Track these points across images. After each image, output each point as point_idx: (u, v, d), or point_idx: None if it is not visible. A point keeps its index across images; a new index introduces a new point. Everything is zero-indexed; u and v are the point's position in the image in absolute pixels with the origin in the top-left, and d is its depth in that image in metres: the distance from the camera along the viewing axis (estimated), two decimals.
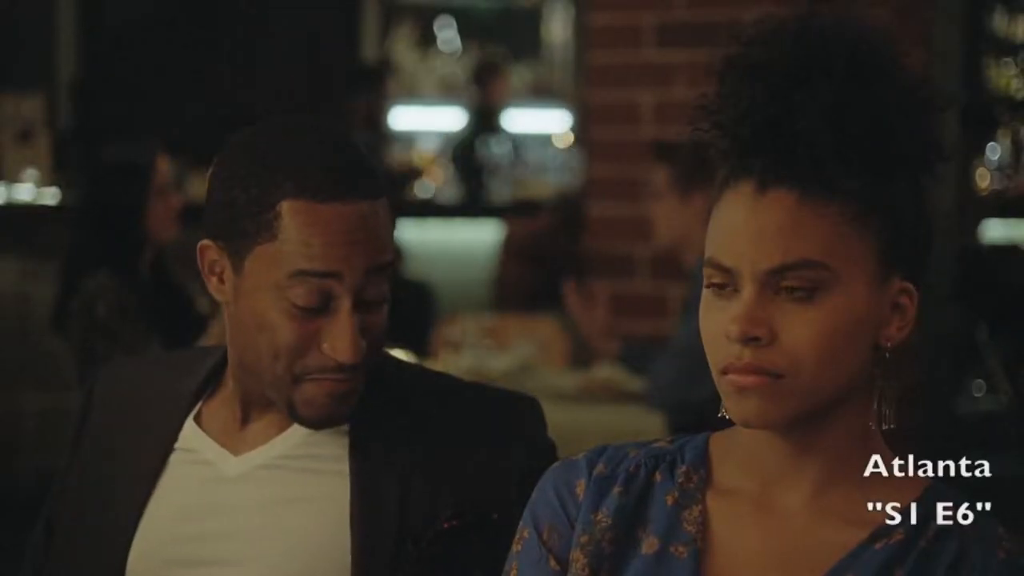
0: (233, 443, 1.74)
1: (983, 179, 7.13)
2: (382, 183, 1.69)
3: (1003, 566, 1.34)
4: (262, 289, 1.65)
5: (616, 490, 1.44)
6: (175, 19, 8.01)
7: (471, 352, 4.33)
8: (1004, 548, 1.35)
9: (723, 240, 1.36)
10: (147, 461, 1.75)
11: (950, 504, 1.38)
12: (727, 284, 1.35)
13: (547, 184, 7.96)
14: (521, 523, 1.49)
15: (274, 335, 1.65)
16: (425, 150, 8.30)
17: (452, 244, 7.52)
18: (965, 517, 1.37)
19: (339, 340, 1.64)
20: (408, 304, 6.30)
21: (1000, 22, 7.39)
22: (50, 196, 6.26)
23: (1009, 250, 7.08)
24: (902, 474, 1.41)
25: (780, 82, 1.34)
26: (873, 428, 1.38)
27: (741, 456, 1.42)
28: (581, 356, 4.36)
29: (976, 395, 6.71)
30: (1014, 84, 7.34)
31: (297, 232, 1.63)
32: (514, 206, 7.03)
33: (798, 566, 1.36)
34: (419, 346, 4.77)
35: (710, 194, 1.41)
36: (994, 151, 7.22)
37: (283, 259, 1.63)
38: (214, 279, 1.70)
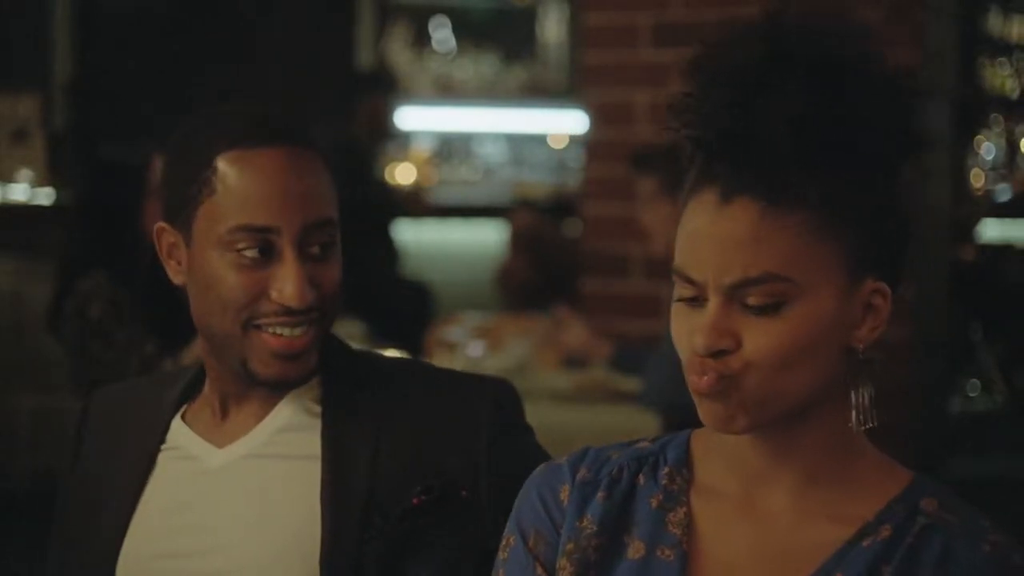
0: (216, 437, 1.78)
1: (977, 179, 7.15)
2: (315, 137, 1.75)
3: (989, 560, 1.32)
4: (209, 247, 1.70)
5: (600, 495, 1.43)
6: (171, 19, 8.01)
7: (466, 352, 4.33)
8: (990, 541, 1.34)
9: (689, 250, 1.34)
10: (137, 462, 1.80)
11: (935, 499, 1.37)
12: (696, 297, 1.34)
13: (543, 184, 7.96)
14: (506, 530, 1.48)
15: (223, 289, 1.70)
16: (421, 150, 8.30)
17: (450, 244, 7.52)
18: (950, 511, 1.36)
19: (286, 283, 1.68)
20: (406, 304, 6.30)
21: (995, 22, 7.40)
22: (45, 196, 6.26)
23: (1004, 250, 7.09)
24: (886, 469, 1.40)
25: (744, 87, 1.31)
26: (852, 428, 1.37)
27: (723, 456, 1.42)
28: (576, 356, 4.36)
29: (971, 395, 6.72)
30: (1008, 84, 7.35)
31: (234, 182, 1.69)
32: (511, 206, 7.02)
33: (785, 566, 1.36)
34: (416, 346, 4.78)
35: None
36: (989, 151, 7.23)
37: (223, 213, 1.69)
38: (173, 263, 1.77)
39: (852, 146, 1.31)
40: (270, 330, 1.70)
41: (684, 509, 1.41)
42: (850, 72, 1.32)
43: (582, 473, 1.46)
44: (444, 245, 7.50)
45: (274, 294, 1.69)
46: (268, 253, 1.69)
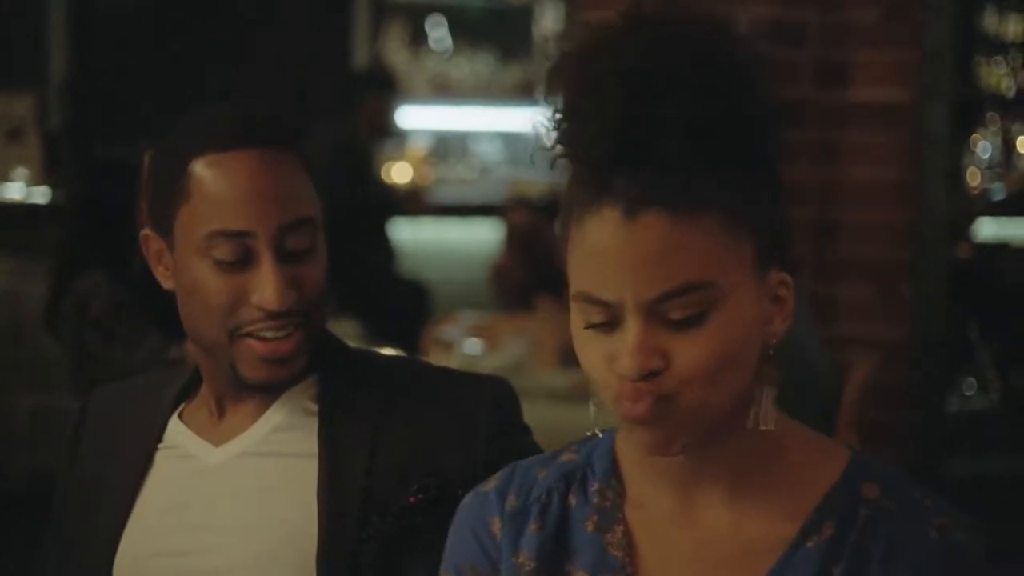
0: (213, 436, 1.78)
1: (974, 178, 7.15)
2: (289, 134, 1.74)
3: (936, 548, 1.29)
4: (189, 253, 1.70)
5: (532, 527, 1.39)
6: (168, 18, 8.00)
7: (462, 351, 4.33)
8: (935, 526, 1.30)
9: (596, 272, 1.27)
10: (135, 461, 1.80)
11: (875, 483, 1.33)
12: (608, 321, 1.28)
13: (540, 183, 7.96)
14: (441, 569, 1.44)
15: (205, 294, 1.70)
16: (417, 149, 8.30)
17: (446, 243, 7.53)
18: (891, 496, 1.32)
19: (264, 288, 1.68)
20: (403, 303, 6.31)
21: (991, 21, 7.40)
22: (41, 195, 6.26)
23: (1000, 248, 7.10)
24: (821, 454, 1.36)
25: (630, 98, 1.25)
26: (779, 418, 1.34)
27: (649, 468, 1.37)
28: (573, 355, 4.36)
29: (967, 393, 6.72)
30: (1005, 83, 7.35)
31: (208, 187, 1.68)
32: (507, 204, 7.02)
33: (733, 575, 1.32)
34: (413, 345, 4.78)
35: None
36: (985, 150, 7.24)
37: (200, 219, 1.69)
38: (161, 269, 1.76)
39: (744, 139, 1.28)
40: (256, 335, 1.70)
41: (621, 527, 1.36)
42: (724, 66, 1.28)
43: (510, 501, 1.41)
44: (441, 244, 7.50)
45: (254, 298, 1.68)
46: (246, 258, 1.68)
